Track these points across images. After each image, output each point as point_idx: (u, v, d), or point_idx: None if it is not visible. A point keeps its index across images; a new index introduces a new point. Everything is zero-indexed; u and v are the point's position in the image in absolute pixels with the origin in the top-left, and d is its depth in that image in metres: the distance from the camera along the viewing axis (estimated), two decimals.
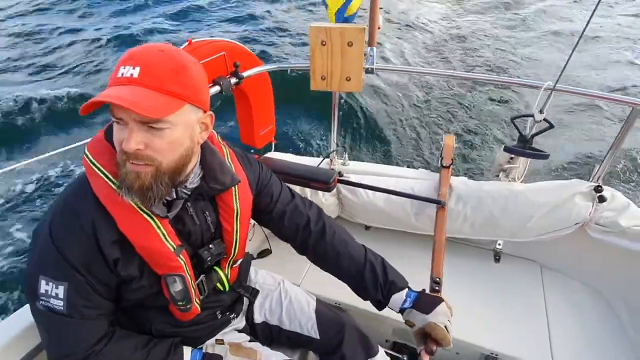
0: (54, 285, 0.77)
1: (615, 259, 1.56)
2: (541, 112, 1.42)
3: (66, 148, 1.25)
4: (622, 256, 1.51)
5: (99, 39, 7.08)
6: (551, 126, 1.45)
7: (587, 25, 1.16)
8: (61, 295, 0.77)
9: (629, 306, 1.50)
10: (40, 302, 0.78)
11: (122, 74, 0.71)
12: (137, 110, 0.67)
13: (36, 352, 1.05)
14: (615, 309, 1.55)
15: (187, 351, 0.93)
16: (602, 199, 1.51)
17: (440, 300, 1.01)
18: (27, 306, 1.04)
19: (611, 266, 1.59)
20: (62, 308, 0.77)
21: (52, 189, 3.82)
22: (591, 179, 1.57)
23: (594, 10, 1.14)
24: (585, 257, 1.65)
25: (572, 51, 1.22)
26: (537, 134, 1.50)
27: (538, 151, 1.50)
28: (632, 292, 1.51)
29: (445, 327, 0.96)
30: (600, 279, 1.63)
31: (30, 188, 3.83)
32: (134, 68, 0.71)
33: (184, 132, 0.77)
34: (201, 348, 0.95)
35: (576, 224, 1.56)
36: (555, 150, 4.40)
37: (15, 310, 1.10)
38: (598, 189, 1.51)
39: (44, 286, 0.77)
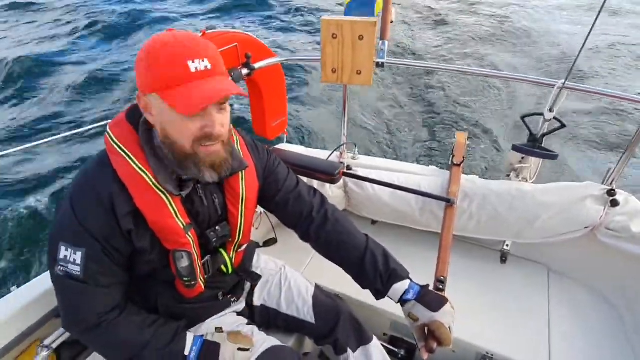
0: (73, 251, 0.82)
1: (624, 265, 1.51)
2: (551, 110, 1.39)
3: (92, 126, 1.32)
4: (632, 263, 1.47)
5: None
6: (563, 125, 1.42)
7: (594, 22, 1.13)
8: (79, 261, 0.82)
9: (635, 314, 1.46)
10: (60, 266, 0.84)
11: (197, 68, 0.76)
12: (243, 94, 0.81)
13: (51, 316, 1.11)
14: (621, 316, 1.51)
15: (189, 336, 0.97)
16: (614, 203, 1.47)
17: (446, 300, 1.00)
18: (47, 273, 1.12)
19: (620, 272, 1.54)
20: (79, 273, 0.83)
21: (77, 163, 3.98)
22: (604, 182, 1.53)
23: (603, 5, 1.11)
24: (594, 261, 1.61)
25: (582, 48, 1.19)
26: (547, 133, 1.47)
27: (547, 151, 1.47)
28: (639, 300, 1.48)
29: (449, 327, 0.95)
30: (608, 285, 1.59)
31: (58, 162, 4.01)
32: (202, 60, 0.77)
33: None
34: (202, 335, 0.99)
35: (586, 227, 1.53)
36: (567, 151, 4.28)
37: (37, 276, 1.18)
38: (611, 193, 1.47)
39: (64, 252, 0.83)
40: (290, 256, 1.51)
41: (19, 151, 1.22)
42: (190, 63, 0.75)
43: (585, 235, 1.55)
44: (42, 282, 1.13)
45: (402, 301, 1.02)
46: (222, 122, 0.82)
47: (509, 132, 4.71)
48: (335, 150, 1.86)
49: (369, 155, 1.99)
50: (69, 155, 4.14)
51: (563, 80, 1.34)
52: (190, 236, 0.91)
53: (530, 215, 1.55)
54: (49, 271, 0.89)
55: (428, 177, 1.72)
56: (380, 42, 1.49)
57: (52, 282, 0.88)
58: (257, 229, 1.78)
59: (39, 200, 3.53)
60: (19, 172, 3.85)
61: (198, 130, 0.80)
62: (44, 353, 1.09)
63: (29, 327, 1.08)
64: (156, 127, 0.84)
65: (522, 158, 1.63)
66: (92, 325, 0.87)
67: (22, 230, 3.27)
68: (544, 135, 1.48)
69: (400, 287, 1.02)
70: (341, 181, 1.77)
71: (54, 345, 1.12)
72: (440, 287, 1.15)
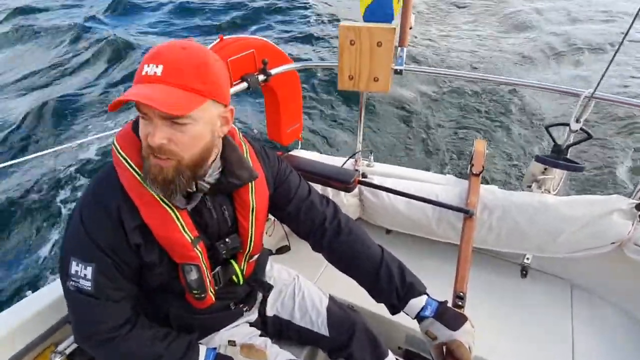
0: (83, 267, 0.82)
1: None
2: (578, 121, 1.34)
3: (98, 136, 1.32)
4: None
5: None
6: (589, 136, 1.37)
7: (629, 29, 1.08)
8: (89, 276, 0.82)
9: None
10: (71, 282, 0.83)
11: (147, 72, 0.73)
12: (160, 108, 0.69)
13: (65, 322, 1.11)
14: None
15: (202, 349, 0.96)
16: None
17: (465, 318, 0.96)
18: (58, 280, 1.12)
19: None
20: (89, 288, 0.82)
21: (87, 173, 4.06)
22: (633, 196, 1.46)
23: (637, 14, 1.05)
24: (620, 278, 1.54)
25: (613, 57, 1.14)
26: (573, 144, 1.41)
27: (572, 162, 1.41)
28: None
29: (469, 347, 0.92)
30: (636, 303, 1.52)
31: (68, 171, 4.09)
32: (157, 66, 0.73)
33: (206, 127, 0.79)
34: (215, 348, 0.98)
35: (613, 243, 1.46)
36: (594, 163, 4.15)
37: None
38: None
39: (74, 267, 0.82)
40: (303, 264, 1.49)
41: (35, 157, 1.23)
42: (145, 67, 0.74)
43: (612, 251, 1.48)
44: (57, 288, 1.13)
45: (420, 318, 0.98)
46: (167, 136, 0.75)
47: (529, 142, 4.60)
48: (350, 157, 1.84)
49: (384, 163, 1.95)
50: (81, 161, 4.23)
51: (591, 90, 1.29)
52: (198, 249, 0.90)
53: (553, 229, 1.50)
54: (59, 279, 0.89)
55: (445, 187, 1.68)
56: (399, 48, 1.46)
57: (65, 295, 0.87)
58: (270, 236, 1.76)
59: (52, 206, 3.62)
60: (37, 179, 3.94)
61: (144, 137, 0.77)
62: (57, 359, 1.08)
63: (44, 333, 1.08)
64: None
65: (545, 169, 1.58)
66: (104, 340, 0.86)
67: (37, 232, 3.35)
68: (569, 146, 1.42)
69: (417, 302, 0.98)
70: (356, 189, 1.74)
71: (67, 352, 1.11)
72: (460, 303, 1.11)
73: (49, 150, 1.31)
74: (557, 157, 1.43)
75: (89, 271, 0.82)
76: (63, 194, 3.80)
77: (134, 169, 0.82)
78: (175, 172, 0.78)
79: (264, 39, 1.53)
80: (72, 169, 4.08)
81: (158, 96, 0.71)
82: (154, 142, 0.74)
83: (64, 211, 3.61)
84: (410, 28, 1.46)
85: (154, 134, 0.74)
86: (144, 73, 0.74)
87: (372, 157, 1.90)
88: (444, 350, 0.94)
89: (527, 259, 1.70)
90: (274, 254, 1.85)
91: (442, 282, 1.14)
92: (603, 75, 1.21)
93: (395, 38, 1.40)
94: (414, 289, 1.00)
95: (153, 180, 0.78)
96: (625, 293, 1.54)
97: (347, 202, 1.81)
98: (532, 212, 1.51)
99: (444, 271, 1.28)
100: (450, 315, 0.95)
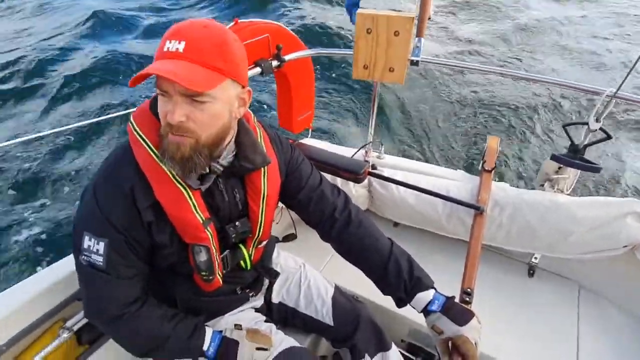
0: (96, 242, 0.83)
1: None
2: (597, 120, 1.30)
3: (115, 114, 1.32)
4: None
5: None
6: (608, 137, 1.33)
7: None
8: (101, 251, 0.83)
9: None
10: (83, 256, 0.84)
11: (168, 48, 0.73)
12: (182, 83, 0.69)
13: (74, 298, 1.13)
14: None
15: (208, 332, 0.96)
16: None
17: (472, 314, 0.95)
18: (68, 257, 1.13)
19: None
20: (101, 264, 0.83)
21: (101, 151, 4.09)
22: None
23: None
24: (631, 282, 1.52)
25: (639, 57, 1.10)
26: (590, 144, 1.38)
27: (589, 163, 1.38)
28: None
29: (475, 343, 0.91)
30: None
31: (82, 148, 4.13)
32: (179, 42, 0.73)
33: (224, 106, 0.80)
34: (221, 331, 0.98)
35: (625, 246, 1.44)
36: (608, 165, 4.07)
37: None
38: None
39: (87, 242, 0.83)
40: (309, 253, 1.49)
41: (50, 135, 1.23)
42: (167, 43, 0.73)
43: (623, 254, 1.46)
44: (67, 264, 1.14)
45: (426, 312, 0.98)
46: (187, 113, 0.75)
47: (544, 141, 4.52)
48: (361, 148, 1.82)
49: (393, 154, 1.93)
50: (97, 138, 4.25)
51: (613, 89, 1.25)
52: (209, 231, 0.90)
53: (564, 229, 1.47)
54: (71, 255, 0.90)
55: (456, 182, 1.66)
56: (416, 39, 1.43)
57: (77, 271, 0.88)
58: (277, 223, 1.76)
59: (63, 185, 3.65)
60: (47, 157, 3.98)
61: (163, 115, 0.77)
62: (65, 334, 1.10)
63: (53, 308, 1.09)
64: None
65: (559, 168, 1.55)
66: (114, 316, 0.87)
67: (48, 214, 3.40)
68: (586, 145, 1.39)
69: (424, 296, 0.98)
70: (365, 180, 1.73)
71: (75, 328, 1.13)
72: (467, 299, 1.10)
73: (67, 127, 1.32)
74: (573, 157, 1.40)
75: (101, 246, 0.82)
76: (78, 169, 3.83)
77: (150, 147, 0.82)
78: (193, 150, 0.78)
79: (279, 23, 1.51)
80: (88, 145, 4.12)
81: (181, 72, 0.71)
82: (173, 120, 0.74)
83: (77, 186, 3.64)
84: (429, 19, 1.43)
85: (174, 111, 0.74)
86: (165, 49, 0.73)
87: (382, 149, 1.88)
88: (450, 345, 0.94)
89: (535, 258, 1.69)
90: (280, 242, 1.86)
91: (448, 278, 1.14)
92: (628, 74, 1.17)
93: (413, 28, 1.37)
94: (422, 283, 0.99)
95: (171, 157, 0.78)
96: (634, 296, 1.52)
97: (355, 192, 1.80)
98: (543, 211, 1.49)
99: (451, 267, 1.27)
100: (457, 310, 0.95)
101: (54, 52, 6.06)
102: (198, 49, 0.73)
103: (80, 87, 5.19)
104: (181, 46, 0.72)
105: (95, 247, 0.83)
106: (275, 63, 1.47)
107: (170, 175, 0.83)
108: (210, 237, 0.90)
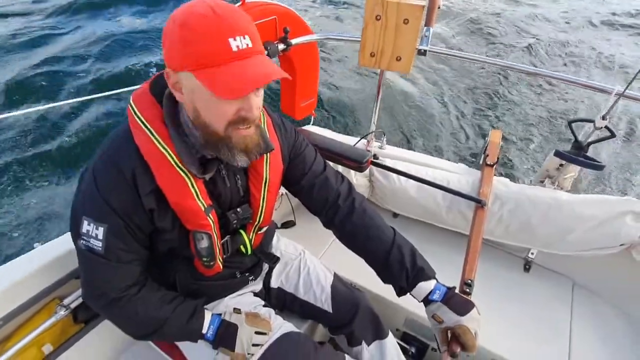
0: (95, 227, 0.81)
1: None
2: (604, 118, 1.30)
3: (114, 92, 1.30)
4: None
5: None
6: (612, 135, 1.33)
7: None
8: (100, 237, 0.81)
9: None
10: (82, 240, 0.83)
11: (238, 47, 0.69)
12: (281, 77, 0.72)
13: (72, 276, 1.13)
14: None
15: (207, 315, 0.96)
16: None
17: (473, 304, 0.96)
18: (65, 235, 1.12)
19: None
20: (100, 249, 0.82)
21: (98, 129, 4.03)
22: None
23: None
24: (625, 281, 1.53)
25: None
26: (595, 141, 1.38)
27: (593, 160, 1.38)
28: None
29: (474, 333, 0.92)
30: (637, 305, 1.52)
31: (77, 126, 4.06)
32: (244, 37, 0.70)
33: None
34: (220, 315, 0.98)
35: (622, 245, 1.45)
36: (608, 163, 4.08)
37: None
38: None
39: (86, 226, 0.81)
40: (307, 241, 1.49)
41: (48, 108, 1.22)
42: (231, 41, 0.68)
43: (619, 253, 1.47)
44: (65, 242, 1.14)
45: (427, 301, 0.98)
46: (258, 105, 0.78)
47: (547, 138, 4.51)
48: (363, 137, 1.81)
49: (394, 145, 1.92)
50: (95, 116, 4.20)
51: (621, 88, 1.24)
52: (210, 218, 0.89)
53: (564, 227, 1.48)
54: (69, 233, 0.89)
55: (457, 175, 1.65)
56: (425, 28, 1.41)
57: (77, 253, 0.87)
58: (276, 209, 1.76)
59: (60, 162, 3.61)
60: (50, 129, 3.93)
61: (234, 113, 0.75)
62: (62, 312, 1.10)
63: (50, 286, 1.09)
64: (185, 106, 0.79)
65: (561, 165, 1.55)
66: (112, 300, 0.86)
67: (45, 193, 3.37)
68: (590, 143, 1.38)
69: (425, 286, 0.98)
70: (367, 170, 1.72)
71: (72, 306, 1.13)
72: (467, 290, 1.11)
73: (69, 101, 1.30)
74: (577, 154, 1.40)
75: (100, 231, 0.81)
76: (78, 147, 3.80)
77: (152, 133, 0.80)
78: (257, 134, 0.83)
79: (287, 6, 1.48)
80: (88, 122, 4.06)
81: (270, 68, 0.72)
82: (254, 115, 0.76)
83: (75, 163, 3.61)
84: (439, 8, 1.40)
85: (251, 106, 0.75)
86: (235, 49, 0.69)
87: (384, 139, 1.87)
88: (449, 334, 0.94)
89: (532, 253, 1.70)
90: (279, 228, 1.86)
91: (446, 269, 1.14)
92: (637, 73, 1.16)
93: (422, 16, 1.34)
94: (425, 272, 0.99)
95: (243, 150, 0.80)
96: (628, 295, 1.54)
97: (356, 182, 1.79)
98: (545, 207, 1.50)
99: (449, 259, 1.27)
100: (458, 300, 0.96)
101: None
102: (257, 37, 0.73)
103: (74, 63, 5.11)
104: (248, 41, 0.71)
105: (94, 232, 0.81)
106: (281, 46, 1.44)
107: (172, 162, 0.81)
108: (212, 224, 0.89)
